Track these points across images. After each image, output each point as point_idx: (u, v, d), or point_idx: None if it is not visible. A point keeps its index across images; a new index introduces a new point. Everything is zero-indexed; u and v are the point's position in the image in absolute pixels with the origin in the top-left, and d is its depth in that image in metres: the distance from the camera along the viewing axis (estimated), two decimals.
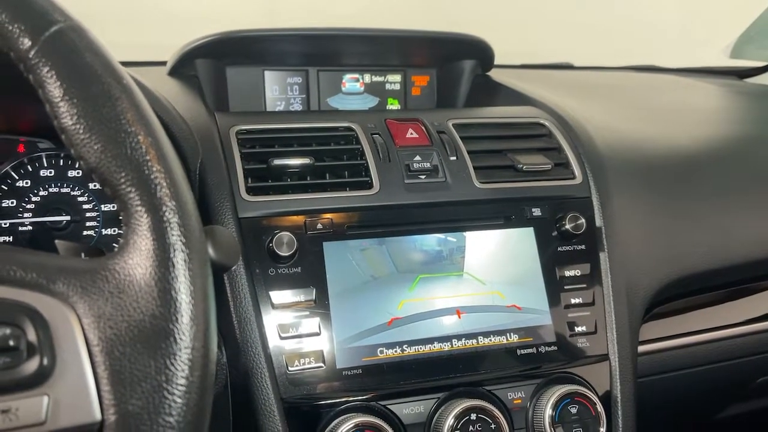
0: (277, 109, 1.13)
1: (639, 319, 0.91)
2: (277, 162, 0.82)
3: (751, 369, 1.15)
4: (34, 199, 0.90)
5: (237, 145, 0.84)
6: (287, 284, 0.77)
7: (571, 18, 1.90)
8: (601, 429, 0.81)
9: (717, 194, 1.05)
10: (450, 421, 0.75)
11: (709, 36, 1.92)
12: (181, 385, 0.44)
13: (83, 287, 0.44)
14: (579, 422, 0.79)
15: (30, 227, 0.89)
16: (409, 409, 0.77)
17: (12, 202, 0.89)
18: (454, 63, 1.18)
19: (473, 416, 0.76)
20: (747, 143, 1.17)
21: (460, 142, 0.91)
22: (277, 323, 0.76)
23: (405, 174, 0.86)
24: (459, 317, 0.81)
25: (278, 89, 1.13)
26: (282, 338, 0.75)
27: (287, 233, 0.77)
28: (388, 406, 0.77)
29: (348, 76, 1.16)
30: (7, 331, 0.41)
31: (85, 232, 0.91)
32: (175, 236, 0.46)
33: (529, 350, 0.83)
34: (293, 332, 0.76)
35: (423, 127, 0.92)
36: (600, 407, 0.81)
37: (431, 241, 0.84)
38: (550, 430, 0.79)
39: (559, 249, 0.88)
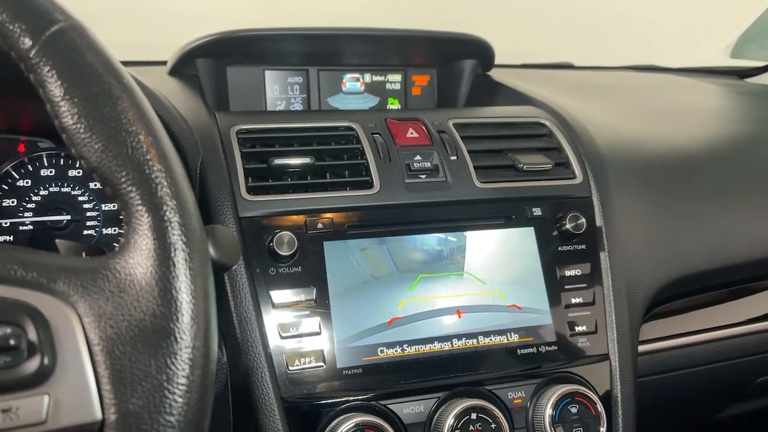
0: (277, 109, 1.13)
1: (639, 319, 0.91)
2: (278, 161, 0.83)
3: (751, 369, 1.15)
4: (34, 198, 0.90)
5: (237, 145, 0.84)
6: (288, 284, 0.77)
7: (572, 17, 1.90)
8: (602, 429, 0.81)
9: (717, 194, 1.05)
10: (450, 420, 0.75)
11: (710, 36, 1.92)
12: (182, 385, 0.44)
13: (84, 286, 0.44)
14: (579, 422, 0.79)
15: (30, 227, 0.89)
16: (410, 409, 0.77)
17: (12, 202, 0.89)
18: (454, 62, 1.18)
19: (473, 416, 0.76)
20: (747, 143, 1.17)
21: (460, 141, 0.91)
22: (277, 323, 0.76)
23: (405, 173, 0.86)
24: (459, 317, 0.81)
25: (279, 89, 1.13)
26: (282, 338, 0.75)
27: (288, 233, 0.77)
28: (389, 406, 0.77)
29: (348, 76, 1.16)
30: (8, 330, 0.42)
31: (85, 232, 0.91)
32: (175, 235, 0.46)
33: (530, 350, 0.83)
34: (293, 332, 0.76)
35: (423, 127, 0.92)
36: (600, 407, 0.81)
37: (431, 240, 0.84)
38: (551, 429, 0.79)
39: (559, 249, 0.88)
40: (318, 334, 0.76)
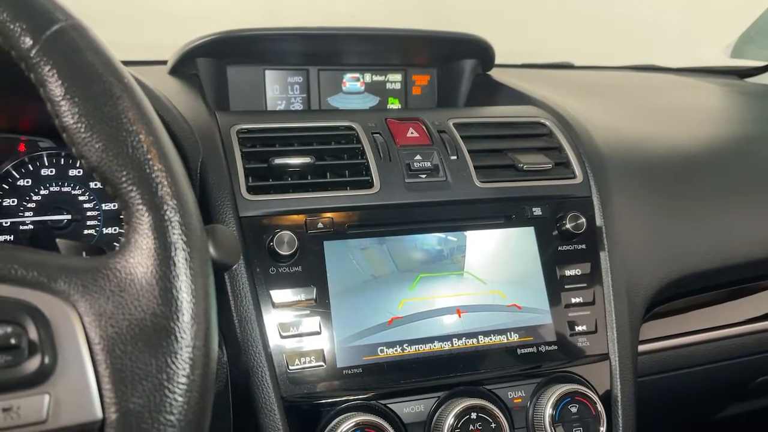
0: (277, 109, 1.13)
1: (639, 319, 0.91)
2: (278, 161, 0.83)
3: (751, 369, 1.15)
4: (35, 198, 0.90)
5: (238, 144, 0.84)
6: (288, 283, 0.77)
7: (572, 17, 1.90)
8: (601, 428, 0.81)
9: (717, 194, 1.05)
10: (450, 420, 0.75)
11: (710, 35, 1.92)
12: (182, 384, 0.44)
13: (84, 286, 0.44)
14: (579, 421, 0.80)
15: (31, 226, 0.89)
16: (410, 408, 0.77)
17: (13, 201, 0.89)
18: (454, 62, 1.18)
19: (473, 415, 0.76)
20: (747, 143, 1.17)
21: (460, 141, 0.91)
22: (277, 322, 0.76)
23: (405, 173, 0.86)
24: (459, 316, 0.81)
25: (279, 88, 1.13)
26: (282, 337, 0.75)
27: (288, 232, 0.77)
28: (389, 405, 0.77)
29: (348, 76, 1.16)
30: (9, 329, 0.42)
31: (86, 231, 0.91)
32: (176, 235, 0.46)
33: (530, 349, 0.83)
34: (294, 331, 0.76)
35: (423, 127, 0.92)
36: (600, 406, 0.81)
37: (432, 240, 0.84)
38: (551, 429, 0.79)
39: (559, 248, 0.88)
40: (318, 333, 0.76)
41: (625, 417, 0.85)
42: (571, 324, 0.85)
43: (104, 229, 0.92)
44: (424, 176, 0.87)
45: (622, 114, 1.16)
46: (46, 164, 0.91)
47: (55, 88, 0.46)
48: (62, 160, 0.92)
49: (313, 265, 0.78)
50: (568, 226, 0.87)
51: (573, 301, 0.86)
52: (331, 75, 1.15)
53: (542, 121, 1.00)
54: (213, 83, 1.05)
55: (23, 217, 0.89)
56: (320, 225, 0.80)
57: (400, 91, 1.19)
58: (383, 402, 0.76)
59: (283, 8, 1.63)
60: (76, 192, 0.91)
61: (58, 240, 0.62)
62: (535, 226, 0.88)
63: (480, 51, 1.15)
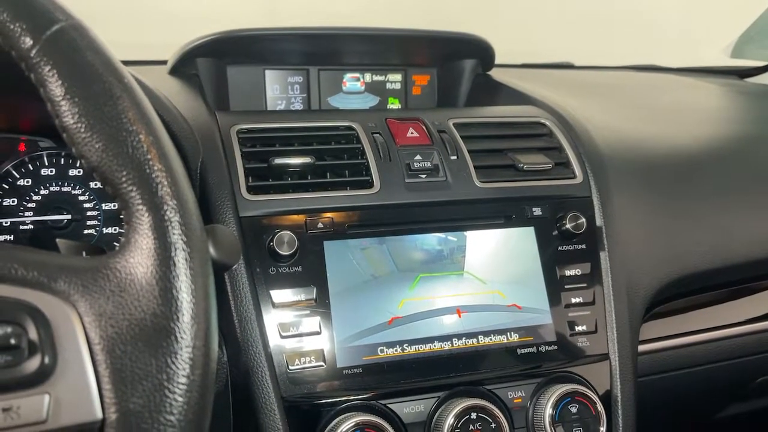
0: (277, 109, 1.13)
1: (639, 319, 0.91)
2: (278, 161, 0.83)
3: (751, 369, 1.15)
4: (35, 197, 0.90)
5: (238, 144, 0.84)
6: (288, 283, 0.77)
7: (572, 17, 1.90)
8: (601, 428, 0.81)
9: (717, 194, 1.05)
10: (450, 420, 0.75)
11: (710, 35, 1.92)
12: (182, 384, 0.44)
13: (84, 286, 0.44)
14: (579, 421, 0.80)
15: (31, 226, 0.89)
16: (410, 408, 0.77)
17: (13, 201, 0.89)
18: (454, 62, 1.18)
19: (473, 415, 0.76)
20: (747, 143, 1.17)
21: (460, 141, 0.91)
22: (277, 322, 0.76)
23: (405, 173, 0.86)
24: (459, 316, 0.81)
25: (279, 88, 1.13)
26: (282, 337, 0.75)
27: (288, 232, 0.77)
28: (389, 405, 0.77)
29: (349, 76, 1.16)
30: (9, 329, 0.42)
31: (86, 231, 0.91)
32: (176, 235, 0.46)
33: (530, 349, 0.83)
34: (294, 331, 0.76)
35: (423, 127, 0.92)
36: (600, 406, 0.81)
37: (432, 240, 0.84)
38: (551, 429, 0.79)
39: (559, 248, 0.88)
40: (318, 333, 0.76)
41: (625, 417, 0.85)
42: (571, 324, 0.85)
43: (104, 229, 0.92)
44: (424, 176, 0.87)
45: (622, 114, 1.16)
46: (46, 164, 0.91)
47: (55, 88, 0.46)
48: (62, 159, 0.92)
49: (313, 265, 0.78)
50: (568, 226, 0.87)
51: (573, 301, 0.86)
52: (331, 75, 1.15)
53: (542, 121, 1.00)
54: (213, 83, 1.05)
55: (23, 216, 0.89)
56: (320, 225, 0.80)
57: (400, 91, 1.19)
58: (383, 402, 0.76)
59: (283, 8, 1.63)
60: (76, 192, 0.91)
61: (58, 240, 0.62)
62: (535, 226, 0.88)
63: (480, 51, 1.15)
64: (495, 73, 1.19)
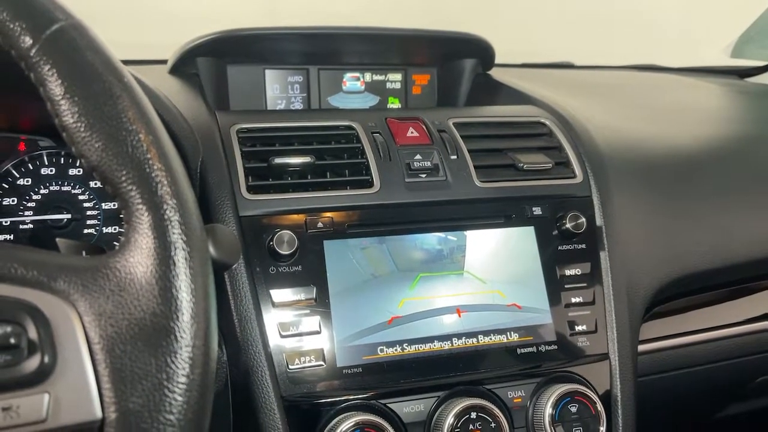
0: (277, 108, 1.13)
1: (639, 319, 0.91)
2: (278, 161, 0.83)
3: (751, 368, 1.15)
4: (34, 197, 0.90)
5: (238, 144, 0.84)
6: (288, 283, 0.77)
7: (572, 17, 1.90)
8: (601, 428, 0.81)
9: (717, 194, 1.05)
10: (450, 419, 0.75)
11: (710, 35, 1.92)
12: (182, 383, 0.44)
13: (84, 285, 0.44)
14: (579, 421, 0.79)
15: (31, 225, 0.89)
16: (410, 408, 0.77)
17: (13, 201, 0.89)
18: (454, 62, 1.18)
19: (473, 415, 0.76)
20: (747, 143, 1.17)
21: (460, 140, 0.91)
22: (277, 321, 0.76)
23: (405, 173, 0.86)
24: (459, 316, 0.81)
25: (279, 88, 1.13)
26: (282, 336, 0.75)
27: (288, 232, 0.77)
28: (389, 405, 0.77)
29: (349, 75, 1.16)
30: (8, 328, 0.42)
31: (85, 231, 0.91)
32: (176, 234, 0.46)
33: (530, 349, 0.83)
34: (294, 330, 0.76)
35: (423, 126, 0.92)
36: (600, 406, 0.81)
37: (432, 239, 0.84)
38: (550, 428, 0.79)
39: (559, 248, 0.88)
40: (318, 333, 0.76)
41: (624, 417, 0.85)
42: (571, 324, 0.85)
43: (104, 228, 0.92)
44: (424, 176, 0.87)
45: (622, 113, 1.16)
46: (46, 163, 0.91)
47: (54, 87, 0.46)
48: (62, 159, 0.92)
49: (313, 264, 0.78)
50: (568, 225, 0.87)
51: (573, 300, 0.86)
52: (331, 74, 1.15)
53: (542, 120, 1.00)
54: (213, 83, 1.05)
55: (23, 216, 0.89)
56: (320, 224, 0.80)
57: (400, 90, 1.19)
58: (383, 401, 0.76)
59: (283, 8, 1.63)
60: (76, 191, 0.91)
61: (57, 239, 0.62)
62: (535, 226, 0.88)
63: (480, 50, 1.15)
64: (495, 73, 1.19)
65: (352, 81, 1.16)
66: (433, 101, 1.21)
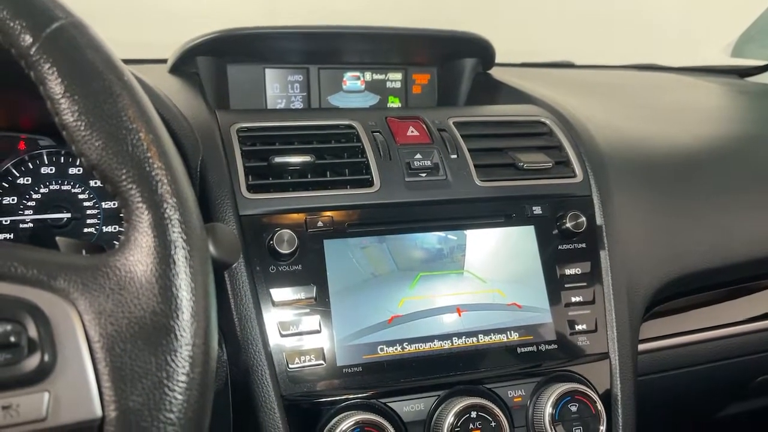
0: (277, 107, 1.13)
1: (639, 318, 0.91)
2: (278, 160, 0.83)
3: (751, 368, 1.15)
4: (34, 196, 0.90)
5: (238, 143, 0.84)
6: (288, 282, 0.77)
7: (572, 17, 1.90)
8: (601, 427, 0.81)
9: (718, 193, 1.05)
10: (450, 419, 0.75)
11: (710, 35, 1.92)
12: (182, 382, 0.44)
13: (84, 284, 0.44)
14: (579, 420, 0.79)
15: (31, 224, 0.89)
16: (410, 407, 0.77)
17: (13, 200, 0.89)
18: (455, 61, 1.18)
19: (473, 414, 0.76)
20: (748, 142, 1.17)
21: (460, 140, 0.91)
22: (277, 320, 0.76)
23: (406, 172, 0.86)
24: (459, 315, 0.81)
25: (279, 87, 1.13)
26: (282, 336, 0.75)
27: (288, 231, 0.77)
28: (389, 404, 0.77)
29: (349, 74, 1.16)
30: (8, 327, 0.41)
31: (85, 230, 0.91)
32: (176, 233, 0.46)
33: (530, 348, 0.83)
34: (294, 330, 0.76)
35: (424, 125, 0.92)
36: (600, 405, 0.81)
37: (432, 239, 0.84)
38: (550, 428, 0.79)
39: (559, 247, 0.88)
40: (318, 332, 0.76)
41: (625, 416, 0.85)
42: (571, 323, 0.85)
43: (104, 227, 0.92)
44: (424, 175, 0.87)
45: (622, 113, 1.16)
46: (46, 162, 0.91)
47: (54, 85, 0.46)
48: (62, 158, 0.91)
49: (313, 263, 0.78)
50: (568, 224, 0.87)
51: (573, 300, 0.86)
52: (331, 73, 1.15)
53: (542, 119, 1.00)
54: (213, 82, 1.05)
55: (23, 215, 0.89)
56: (320, 223, 0.80)
57: (400, 89, 1.19)
58: (383, 401, 0.76)
59: (284, 7, 1.63)
60: (76, 190, 0.91)
61: (57, 238, 0.62)
62: (535, 225, 0.88)
63: (480, 50, 1.15)
64: (495, 72, 1.19)
65: (352, 80, 1.16)
66: (433, 100, 1.21)
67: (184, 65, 1.03)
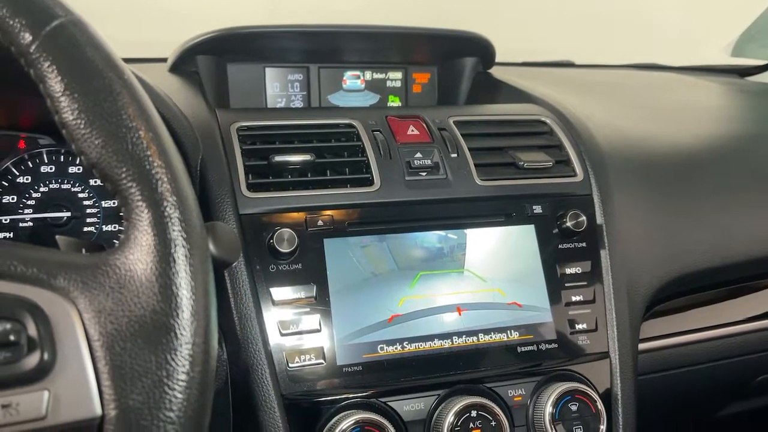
0: (277, 106, 1.13)
1: (639, 317, 0.91)
2: (278, 158, 0.82)
3: (752, 367, 1.15)
4: (34, 195, 0.90)
5: (238, 142, 0.84)
6: (288, 281, 0.77)
7: (573, 16, 1.90)
8: (602, 426, 0.81)
9: (718, 192, 1.05)
10: (450, 418, 0.75)
11: (710, 34, 1.92)
12: (182, 381, 0.44)
13: (84, 282, 0.44)
14: (579, 420, 0.79)
15: (30, 223, 0.89)
16: (410, 406, 0.77)
17: (13, 198, 0.89)
18: (455, 60, 1.18)
19: (473, 413, 0.76)
20: (748, 141, 1.17)
21: (461, 139, 0.91)
22: (277, 320, 0.76)
23: (406, 171, 0.86)
24: (459, 314, 0.81)
25: (279, 86, 1.13)
26: (282, 335, 0.75)
27: (288, 230, 0.77)
28: (389, 403, 0.77)
29: (349, 73, 1.16)
30: (8, 326, 0.41)
31: (85, 229, 0.91)
32: (176, 231, 0.46)
33: (530, 347, 0.83)
34: (294, 329, 0.76)
35: (424, 124, 0.92)
36: (600, 405, 0.81)
37: (432, 238, 0.84)
38: (551, 427, 0.79)
39: (559, 246, 0.88)
40: (318, 331, 0.76)
41: (625, 415, 0.85)
42: (572, 322, 0.85)
43: (104, 226, 0.92)
44: (424, 174, 0.87)
45: (622, 112, 1.16)
46: (46, 161, 0.91)
47: (54, 84, 0.45)
48: (62, 157, 0.91)
49: (313, 262, 0.78)
50: (568, 224, 0.87)
51: (573, 299, 0.86)
52: (331, 73, 1.15)
53: (543, 119, 0.99)
54: (213, 80, 1.05)
55: (23, 214, 0.89)
56: (320, 222, 0.80)
57: (400, 88, 1.19)
58: (383, 400, 0.76)
59: (284, 6, 1.63)
60: (75, 189, 0.91)
61: (57, 237, 0.61)
62: (535, 224, 0.88)
63: (480, 49, 1.15)
64: (495, 72, 1.19)
65: (352, 79, 1.16)
66: (433, 99, 1.21)
67: (184, 64, 1.03)
